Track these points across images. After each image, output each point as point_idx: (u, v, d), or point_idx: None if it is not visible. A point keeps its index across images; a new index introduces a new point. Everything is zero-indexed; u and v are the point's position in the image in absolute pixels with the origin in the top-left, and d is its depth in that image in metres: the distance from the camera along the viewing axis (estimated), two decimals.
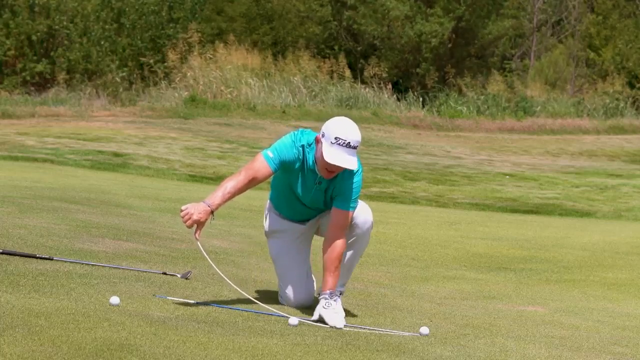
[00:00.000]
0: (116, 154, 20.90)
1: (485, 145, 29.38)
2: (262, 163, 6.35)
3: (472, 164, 24.93)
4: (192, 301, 6.39)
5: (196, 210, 6.15)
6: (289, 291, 6.74)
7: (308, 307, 6.68)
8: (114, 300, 5.94)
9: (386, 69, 37.30)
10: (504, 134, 32.42)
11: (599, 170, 24.98)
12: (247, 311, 6.33)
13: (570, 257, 11.14)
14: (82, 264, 7.30)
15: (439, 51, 39.47)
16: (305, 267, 6.78)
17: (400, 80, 38.92)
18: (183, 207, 6.20)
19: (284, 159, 6.39)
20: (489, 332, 6.60)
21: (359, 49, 40.29)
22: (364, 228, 6.59)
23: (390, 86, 36.10)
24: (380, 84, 35.72)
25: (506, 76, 39.97)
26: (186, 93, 31.83)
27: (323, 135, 6.28)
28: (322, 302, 6.32)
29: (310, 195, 6.55)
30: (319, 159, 6.34)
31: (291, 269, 6.70)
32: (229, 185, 6.28)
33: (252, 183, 6.34)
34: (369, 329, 6.25)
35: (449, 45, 39.95)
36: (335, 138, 6.21)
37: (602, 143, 31.38)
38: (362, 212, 6.57)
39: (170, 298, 6.39)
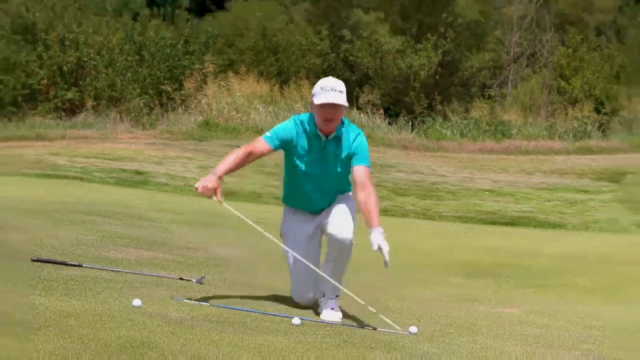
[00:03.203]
0: (138, 172, 20.90)
1: (467, 164, 29.37)
2: (260, 141, 6.63)
3: (456, 181, 24.91)
4: (206, 303, 6.40)
5: (207, 180, 6.33)
6: (297, 288, 6.76)
7: (308, 307, 6.70)
8: (136, 302, 5.95)
9: (379, 96, 37.30)
10: (484, 154, 32.40)
11: (569, 186, 24.94)
12: (255, 312, 6.34)
13: (543, 264, 11.13)
14: (108, 270, 7.31)
15: (426, 81, 39.44)
16: (313, 271, 6.68)
17: (392, 106, 38.88)
18: (196, 184, 6.35)
19: (282, 136, 6.56)
20: (471, 331, 6.60)
21: (354, 78, 40.26)
22: (343, 244, 6.55)
23: (382, 112, 36.10)
24: (373, 109, 35.73)
25: (486, 102, 39.94)
26: (201, 117, 31.83)
27: (313, 95, 6.50)
28: (379, 240, 6.40)
29: (318, 163, 6.59)
30: (316, 114, 6.51)
31: (300, 268, 6.67)
32: (231, 157, 6.52)
33: (251, 157, 6.55)
34: (363, 328, 6.26)
35: (437, 77, 39.92)
36: (321, 87, 6.48)
37: (571, 162, 31.34)
38: (342, 231, 6.55)
39: (186, 301, 6.41)
